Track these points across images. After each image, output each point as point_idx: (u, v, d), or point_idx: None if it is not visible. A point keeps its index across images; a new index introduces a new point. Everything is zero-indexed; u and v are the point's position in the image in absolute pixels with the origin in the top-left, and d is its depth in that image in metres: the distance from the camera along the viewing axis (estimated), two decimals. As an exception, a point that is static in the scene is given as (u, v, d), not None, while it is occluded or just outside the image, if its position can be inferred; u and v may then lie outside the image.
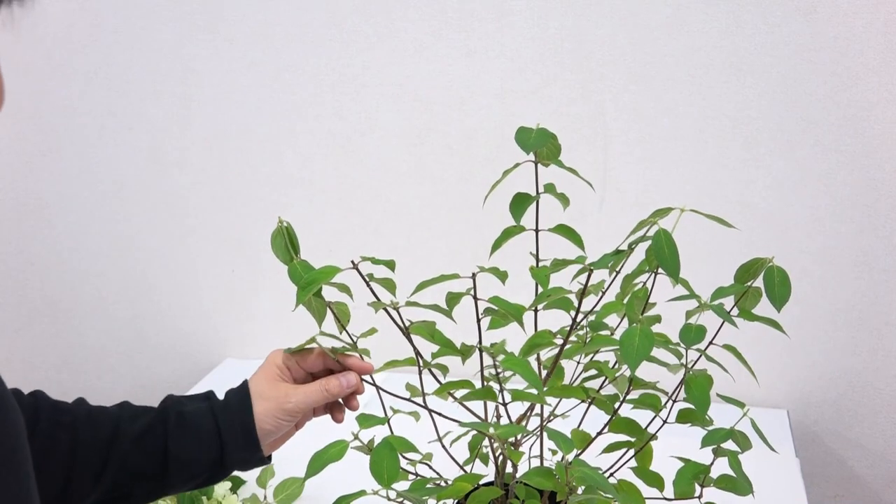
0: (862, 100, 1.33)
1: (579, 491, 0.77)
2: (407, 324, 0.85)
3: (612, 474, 0.88)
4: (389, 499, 0.80)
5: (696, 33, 1.36)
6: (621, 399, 0.87)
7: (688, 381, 0.80)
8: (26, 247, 1.78)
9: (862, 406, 1.49)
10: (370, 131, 1.54)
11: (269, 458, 0.90)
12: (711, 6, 1.34)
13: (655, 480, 0.87)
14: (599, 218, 1.48)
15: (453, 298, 0.86)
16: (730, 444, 0.84)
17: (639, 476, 0.88)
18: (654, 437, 0.87)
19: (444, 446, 0.91)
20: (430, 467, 0.93)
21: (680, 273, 0.76)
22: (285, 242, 0.83)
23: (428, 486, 0.88)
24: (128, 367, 1.84)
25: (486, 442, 0.91)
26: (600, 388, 0.90)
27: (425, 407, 0.88)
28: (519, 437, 0.88)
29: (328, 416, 0.92)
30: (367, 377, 0.88)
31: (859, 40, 1.30)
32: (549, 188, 0.90)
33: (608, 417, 0.87)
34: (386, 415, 0.86)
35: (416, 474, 0.92)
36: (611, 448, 0.89)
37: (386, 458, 0.75)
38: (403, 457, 0.85)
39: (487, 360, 0.85)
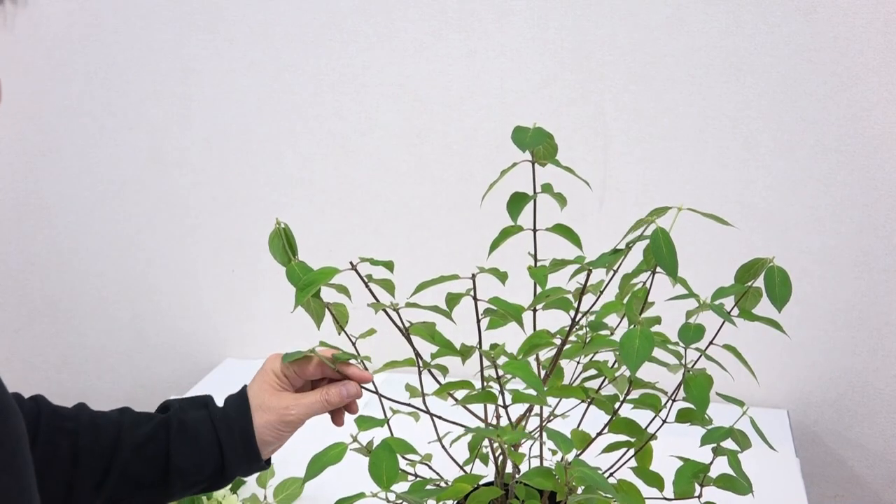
0: (862, 100, 1.33)
1: (579, 491, 0.77)
2: (407, 325, 0.85)
3: (611, 474, 0.88)
4: (389, 501, 0.80)
5: (696, 33, 1.36)
6: (621, 399, 0.87)
7: (687, 380, 0.80)
8: (27, 247, 1.78)
9: (862, 406, 1.49)
10: (370, 131, 1.54)
11: (269, 462, 0.90)
12: (711, 6, 1.34)
13: (655, 480, 0.87)
14: (599, 218, 1.48)
15: (453, 299, 0.86)
16: (729, 443, 0.84)
17: (639, 476, 0.88)
18: (653, 436, 0.87)
19: (443, 447, 0.91)
20: (430, 468, 0.93)
21: (678, 272, 0.76)
22: (283, 244, 0.83)
23: (427, 487, 0.88)
24: (128, 367, 1.84)
25: (485, 442, 0.91)
26: (600, 388, 0.90)
27: (426, 411, 0.88)
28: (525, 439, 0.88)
29: (328, 417, 0.92)
30: (370, 387, 0.88)
31: (859, 40, 1.30)
32: (547, 188, 0.90)
33: (608, 417, 0.87)
34: (385, 416, 0.86)
35: (416, 475, 0.92)
36: (611, 448, 0.89)
37: (385, 460, 0.75)
38: (403, 458, 0.85)
39: (487, 361, 0.85)
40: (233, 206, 1.65)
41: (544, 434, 0.85)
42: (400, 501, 0.81)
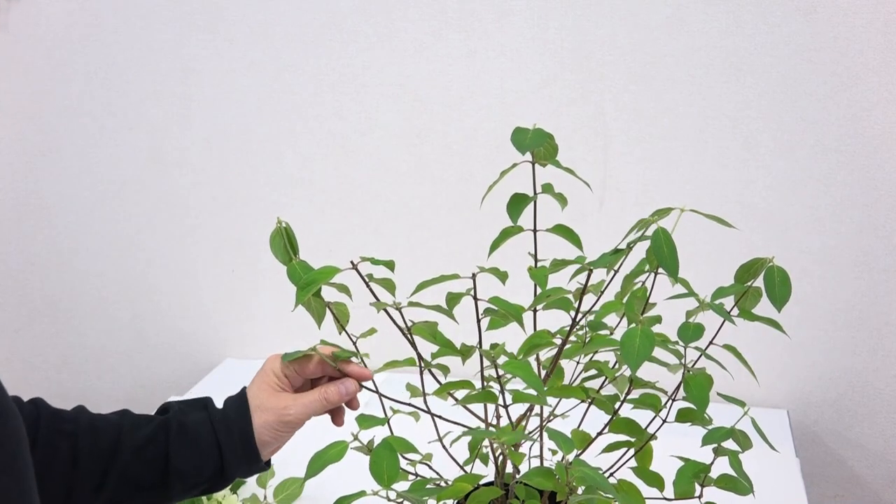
0: (862, 100, 1.33)
1: (579, 491, 0.77)
2: (408, 324, 0.85)
3: (612, 474, 0.88)
4: (389, 499, 0.80)
5: (696, 33, 1.36)
6: (621, 399, 0.87)
7: (687, 379, 0.80)
8: (27, 247, 1.78)
9: (862, 406, 1.49)
10: (370, 131, 1.54)
11: (269, 463, 0.90)
12: (711, 6, 1.34)
13: (655, 480, 0.87)
14: (599, 218, 1.48)
15: (453, 299, 0.86)
16: (730, 444, 0.84)
17: (639, 476, 0.87)
18: (653, 436, 0.87)
19: (444, 446, 0.91)
20: (430, 467, 0.93)
21: (679, 272, 0.76)
22: (284, 243, 0.83)
23: (428, 486, 0.88)
24: (128, 367, 1.84)
25: (486, 442, 0.91)
26: (600, 388, 0.90)
27: (427, 410, 0.88)
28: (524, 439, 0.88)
29: (328, 417, 0.92)
30: (371, 387, 0.88)
31: (859, 40, 1.30)
32: (547, 188, 0.90)
33: (608, 417, 0.87)
34: (386, 415, 0.86)
35: (416, 474, 0.92)
36: (611, 448, 0.89)
37: (386, 459, 0.75)
38: (403, 457, 0.85)
39: (487, 361, 0.85)
40: (233, 206, 1.65)
41: (544, 434, 0.85)
42: (400, 500, 0.81)
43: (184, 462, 0.84)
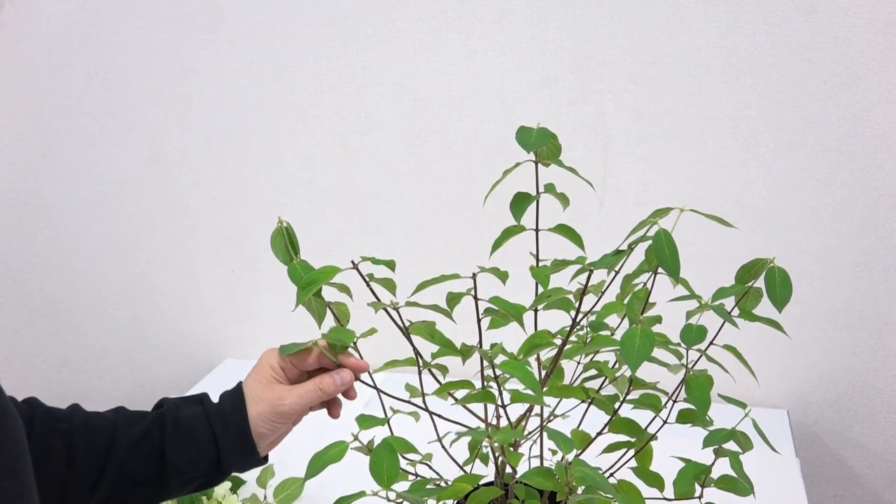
0: (862, 100, 1.33)
1: (579, 491, 0.77)
2: (407, 324, 0.85)
3: (612, 474, 0.88)
4: (389, 500, 0.80)
5: (696, 33, 1.36)
6: (621, 399, 0.87)
7: (688, 381, 0.80)
8: (27, 247, 1.78)
9: (862, 406, 1.49)
10: (370, 131, 1.54)
11: (266, 458, 0.90)
12: (711, 6, 1.34)
13: (655, 480, 0.87)
14: (599, 218, 1.48)
15: (453, 298, 0.86)
16: (731, 445, 0.84)
17: (639, 476, 0.88)
18: (654, 437, 0.87)
19: (443, 446, 0.91)
20: (430, 468, 0.93)
21: (680, 273, 0.76)
22: (285, 243, 0.83)
23: (428, 486, 0.88)
24: (128, 367, 1.84)
25: (485, 442, 0.91)
26: (600, 388, 0.90)
27: (425, 409, 0.88)
28: (518, 438, 0.88)
29: (328, 416, 0.92)
30: (367, 379, 0.88)
31: (859, 40, 1.30)
32: (549, 188, 0.90)
33: (608, 418, 0.87)
34: (386, 415, 0.86)
35: (416, 475, 0.92)
36: (611, 448, 0.89)
37: (385, 459, 0.75)
38: (403, 457, 0.85)
39: (486, 361, 0.85)
40: (233, 206, 1.65)
41: (544, 434, 0.85)
42: (400, 500, 0.81)
43: (180, 456, 0.84)
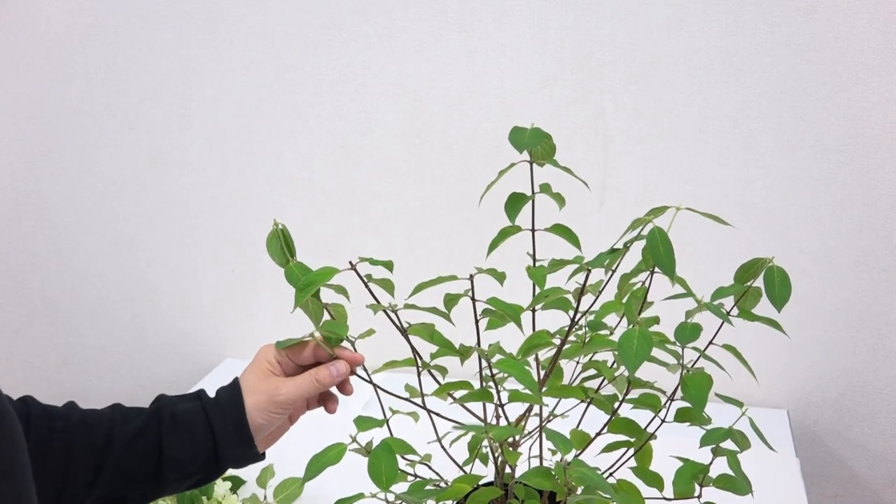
0: (862, 100, 1.33)
1: (578, 491, 0.77)
2: (406, 325, 0.85)
3: (611, 474, 0.88)
4: (388, 501, 0.80)
5: (696, 33, 1.36)
6: (620, 399, 0.87)
7: (685, 379, 0.80)
8: (27, 247, 1.78)
9: (862, 406, 1.49)
10: (370, 131, 1.54)
11: (263, 455, 0.90)
12: (711, 6, 1.34)
13: (655, 480, 0.87)
14: (599, 218, 1.48)
15: (451, 300, 0.86)
16: (729, 444, 0.84)
17: (638, 476, 0.88)
18: (653, 436, 0.87)
19: (443, 447, 0.91)
20: (430, 468, 0.93)
21: (676, 271, 0.75)
22: (281, 245, 0.83)
23: (427, 487, 0.88)
24: (128, 367, 1.84)
25: (485, 442, 0.91)
26: (599, 388, 0.90)
27: (424, 407, 0.88)
28: (517, 437, 0.88)
29: (327, 416, 0.92)
30: (366, 377, 0.88)
31: (859, 40, 1.30)
32: (545, 188, 0.90)
33: (607, 417, 0.87)
34: (385, 416, 0.86)
35: (416, 475, 0.92)
36: (610, 448, 0.89)
37: (384, 461, 0.75)
38: (402, 458, 0.85)
39: (484, 361, 0.85)
40: (233, 206, 1.65)
41: (544, 434, 0.85)
42: (399, 502, 0.81)
43: (177, 451, 0.84)
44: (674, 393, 0.86)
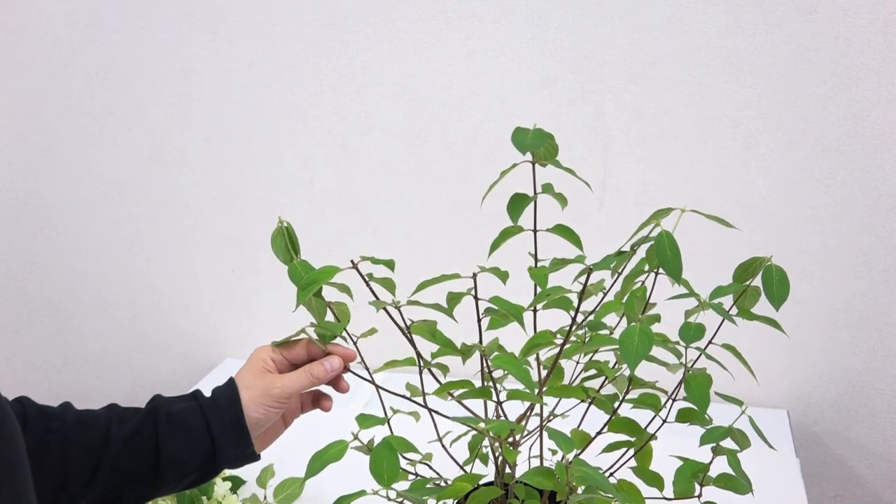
0: (862, 100, 1.33)
1: (579, 491, 0.77)
2: (407, 323, 0.85)
3: (611, 474, 0.88)
4: (389, 499, 0.80)
5: (696, 33, 1.36)
6: (621, 398, 0.87)
7: (687, 379, 0.80)
8: (26, 247, 1.78)
9: (862, 406, 1.49)
10: (370, 131, 1.54)
11: (259, 455, 0.90)
12: (711, 6, 1.34)
13: (655, 480, 0.87)
14: (599, 218, 1.48)
15: (454, 298, 0.86)
16: (729, 443, 0.84)
17: (638, 476, 0.88)
18: (653, 436, 0.87)
19: (444, 446, 0.91)
20: (430, 467, 0.93)
21: (682, 274, 0.76)
22: (285, 242, 0.83)
23: (428, 486, 0.88)
24: (128, 367, 1.84)
25: (485, 442, 0.91)
26: (600, 387, 0.90)
27: (425, 406, 0.88)
28: (517, 436, 0.88)
29: (327, 417, 0.92)
30: (366, 376, 0.88)
31: (859, 40, 1.30)
32: (547, 188, 0.90)
33: (608, 417, 0.87)
34: (386, 415, 0.86)
35: (416, 474, 0.92)
36: (610, 448, 0.89)
37: (386, 458, 0.75)
38: (403, 457, 0.85)
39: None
40: (233, 206, 1.65)
41: (544, 433, 0.85)
42: (400, 500, 0.81)
43: (175, 450, 0.84)
44: (674, 392, 0.86)
